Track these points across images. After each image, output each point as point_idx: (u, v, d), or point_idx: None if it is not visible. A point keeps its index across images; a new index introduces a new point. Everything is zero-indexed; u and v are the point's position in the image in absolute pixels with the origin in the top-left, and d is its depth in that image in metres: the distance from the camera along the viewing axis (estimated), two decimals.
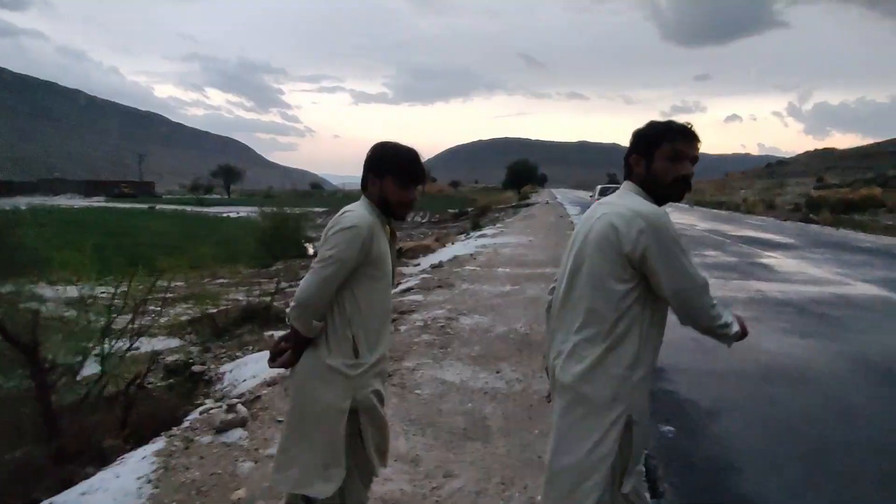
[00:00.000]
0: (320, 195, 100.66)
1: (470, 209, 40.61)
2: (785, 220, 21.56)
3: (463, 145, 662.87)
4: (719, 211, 29.78)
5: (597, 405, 1.47)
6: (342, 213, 1.72)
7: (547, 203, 37.64)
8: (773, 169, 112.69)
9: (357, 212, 1.72)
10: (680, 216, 21.88)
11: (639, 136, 1.59)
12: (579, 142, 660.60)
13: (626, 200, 1.52)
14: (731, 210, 31.17)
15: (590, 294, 1.49)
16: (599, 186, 18.51)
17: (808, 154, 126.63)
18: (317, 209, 49.56)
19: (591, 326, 1.49)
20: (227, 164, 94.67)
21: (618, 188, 1.69)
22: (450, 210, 42.39)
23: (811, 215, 24.86)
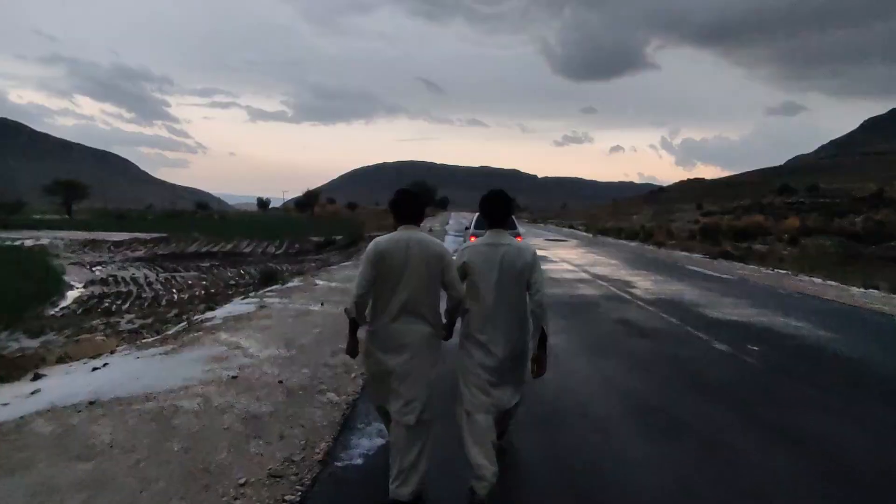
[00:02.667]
0: (190, 216, 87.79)
1: (338, 238, 33.51)
2: (715, 259, 17.39)
3: (367, 167, 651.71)
4: (627, 243, 25.72)
5: (529, 350, 2.77)
6: (442, 244, 2.74)
7: (430, 230, 31.92)
8: (655, 196, 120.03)
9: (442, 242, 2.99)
10: (595, 256, 16.83)
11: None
12: (482, 167, 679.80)
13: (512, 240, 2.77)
14: (632, 239, 27.48)
15: (519, 292, 2.69)
16: (476, 216, 13.22)
17: (682, 183, 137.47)
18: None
19: (522, 311, 2.74)
20: (67, 179, 79.28)
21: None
22: (313, 238, 35.02)
23: (729, 250, 22.13)
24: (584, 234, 36.82)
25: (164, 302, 18.64)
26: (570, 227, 49.06)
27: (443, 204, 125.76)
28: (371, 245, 2.63)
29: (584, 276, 11.47)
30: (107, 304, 18.77)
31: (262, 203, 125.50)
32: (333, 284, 9.81)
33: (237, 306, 7.63)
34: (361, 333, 2.71)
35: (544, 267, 13.15)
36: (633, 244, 26.12)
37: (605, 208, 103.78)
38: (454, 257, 2.71)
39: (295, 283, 10.27)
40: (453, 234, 28.46)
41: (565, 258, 15.72)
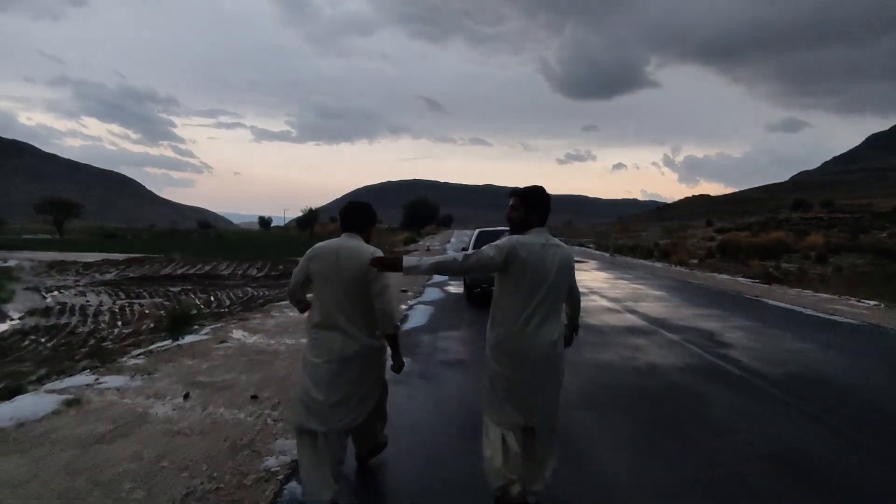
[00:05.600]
0: (185, 235, 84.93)
1: None
2: (770, 285, 13.90)
3: (372, 185, 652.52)
4: (652, 264, 22.18)
5: (563, 354, 2.47)
6: (375, 252, 2.53)
7: (428, 249, 28.49)
8: (661, 212, 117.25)
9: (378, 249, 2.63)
10: (630, 284, 13.34)
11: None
12: (486, 185, 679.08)
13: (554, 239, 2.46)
14: (647, 257, 23.99)
15: (559, 295, 2.40)
16: (478, 231, 11.06)
17: (688, 199, 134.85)
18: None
19: (558, 314, 2.46)
20: (57, 197, 76.91)
21: (499, 230, 4.88)
22: (298, 259, 31.48)
23: (772, 270, 18.78)
24: (598, 252, 33.26)
25: (92, 340, 15.34)
26: (581, 245, 45.57)
27: (446, 222, 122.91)
28: (311, 248, 2.63)
29: (634, 319, 7.86)
30: (26, 343, 15.53)
31: (264, 222, 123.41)
32: (252, 340, 6.28)
33: (35, 399, 4.13)
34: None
35: None
36: (658, 265, 22.66)
37: (611, 225, 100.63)
38: (497, 243, 2.34)
39: (203, 333, 6.75)
40: (452, 253, 24.95)
41: (594, 288, 12.09)
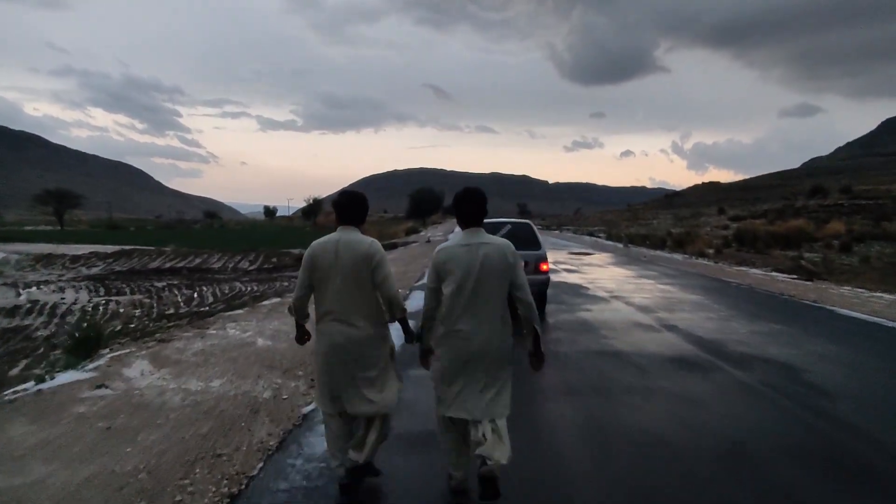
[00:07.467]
0: (188, 225, 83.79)
1: None
2: (812, 282, 11.90)
3: (378, 175, 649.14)
4: (671, 256, 20.22)
5: (509, 354, 2.55)
6: (372, 243, 2.61)
7: (428, 241, 26.70)
8: (671, 200, 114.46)
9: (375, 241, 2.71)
10: (656, 284, 11.43)
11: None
12: (492, 173, 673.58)
13: (492, 238, 2.55)
14: (660, 247, 22.07)
15: (491, 293, 2.45)
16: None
17: (697, 187, 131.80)
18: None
19: (503, 314, 2.51)
20: (58, 188, 76.00)
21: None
22: (294, 251, 29.88)
23: (802, 259, 16.78)
24: (610, 242, 31.24)
25: (42, 349, 13.75)
26: (591, 234, 43.54)
27: (452, 211, 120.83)
28: (308, 248, 2.68)
29: (679, 342, 5.97)
30: None
31: (269, 211, 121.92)
32: (146, 382, 4.44)
33: None
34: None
35: (583, 311, 7.78)
36: (679, 257, 20.74)
37: (619, 213, 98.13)
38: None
39: (88, 369, 4.94)
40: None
41: (615, 291, 10.12)
